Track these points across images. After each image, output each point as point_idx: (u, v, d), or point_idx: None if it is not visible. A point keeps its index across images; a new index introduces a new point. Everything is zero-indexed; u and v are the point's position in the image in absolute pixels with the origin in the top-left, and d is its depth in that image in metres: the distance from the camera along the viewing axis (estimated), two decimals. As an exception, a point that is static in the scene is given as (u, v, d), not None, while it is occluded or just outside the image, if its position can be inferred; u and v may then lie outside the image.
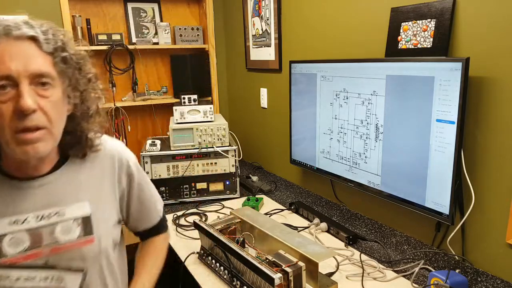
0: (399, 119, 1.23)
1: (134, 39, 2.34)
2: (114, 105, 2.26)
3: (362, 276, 1.20)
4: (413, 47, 1.22)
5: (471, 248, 1.15)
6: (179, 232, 1.59)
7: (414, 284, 1.13)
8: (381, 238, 1.43)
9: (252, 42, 2.23)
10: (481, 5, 1.04)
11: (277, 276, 0.95)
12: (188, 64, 2.47)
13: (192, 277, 1.27)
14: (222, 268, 1.23)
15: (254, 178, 2.19)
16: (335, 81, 1.47)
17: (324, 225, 1.54)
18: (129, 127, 2.36)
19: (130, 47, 2.25)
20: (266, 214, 1.69)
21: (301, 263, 1.04)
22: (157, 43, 2.36)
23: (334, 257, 1.27)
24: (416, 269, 1.18)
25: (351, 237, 1.42)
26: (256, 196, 1.92)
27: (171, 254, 1.45)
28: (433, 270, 1.19)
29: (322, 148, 1.59)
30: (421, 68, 1.13)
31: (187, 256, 1.35)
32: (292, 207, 1.75)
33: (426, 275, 1.18)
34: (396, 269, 1.24)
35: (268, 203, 1.87)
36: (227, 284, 1.19)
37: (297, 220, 1.65)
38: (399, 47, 1.26)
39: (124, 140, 2.35)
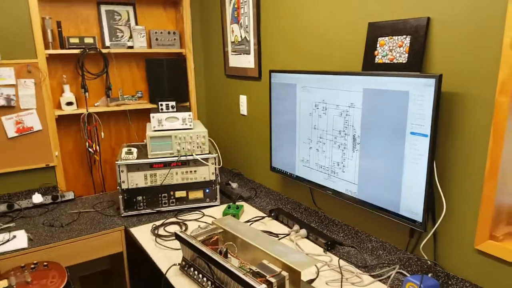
0: (375, 130, 1.32)
1: (107, 43, 2.34)
2: (87, 111, 2.25)
3: (341, 282, 1.28)
4: (389, 61, 1.31)
5: (442, 253, 1.26)
6: (158, 243, 1.62)
7: (390, 289, 1.23)
8: (357, 244, 1.53)
9: (231, 49, 2.28)
10: (454, 25, 1.14)
11: (261, 287, 1.01)
12: (164, 68, 2.50)
13: (175, 289, 1.31)
14: (205, 279, 1.28)
15: (234, 185, 2.24)
16: (314, 92, 1.55)
17: (303, 231, 1.61)
18: (102, 133, 2.36)
19: (104, 50, 2.25)
20: (247, 221, 1.75)
21: (284, 273, 1.10)
22: (132, 47, 2.37)
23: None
24: (392, 274, 1.27)
25: (329, 243, 1.50)
26: (237, 203, 1.98)
27: (151, 266, 1.48)
28: (407, 274, 1.29)
29: (302, 157, 1.67)
30: (396, 82, 1.23)
31: (169, 268, 1.38)
32: (272, 214, 1.82)
33: (401, 279, 1.27)
34: (372, 273, 1.33)
35: (249, 210, 1.93)
36: (211, 294, 1.24)
37: (277, 227, 1.72)
38: (376, 61, 1.36)
39: (98, 147, 2.34)
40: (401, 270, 1.30)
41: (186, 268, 1.37)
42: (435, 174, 1.22)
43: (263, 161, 2.17)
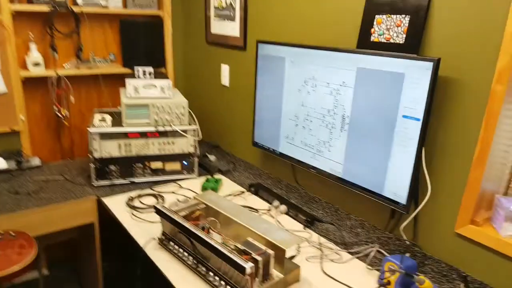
0: (366, 111, 1.31)
1: (79, 1, 2.16)
2: (56, 74, 2.10)
3: (321, 258, 1.30)
4: (385, 41, 1.29)
5: (422, 234, 1.30)
6: (134, 215, 1.57)
7: (368, 267, 1.26)
8: (336, 221, 1.55)
9: (213, 13, 2.17)
10: (456, 7, 1.12)
11: (248, 266, 1.00)
12: (140, 31, 2.36)
13: (153, 264, 1.28)
14: (186, 254, 1.25)
15: (212, 158, 2.20)
16: (305, 67, 1.51)
17: (283, 207, 1.62)
18: (72, 98, 2.22)
19: (75, 9, 2.08)
20: (226, 196, 1.72)
21: (270, 251, 1.09)
22: (106, 7, 2.20)
23: (297, 242, 1.35)
24: (372, 253, 1.31)
25: (309, 219, 1.51)
26: (215, 176, 1.95)
27: (125, 238, 1.44)
28: (385, 253, 1.32)
29: (287, 134, 1.65)
30: (392, 63, 1.21)
31: (148, 242, 1.34)
32: (252, 189, 1.81)
33: (379, 258, 1.31)
34: (350, 250, 1.36)
35: (227, 184, 1.90)
36: (192, 270, 1.22)
37: (257, 202, 1.71)
38: (371, 40, 1.33)
39: (67, 112, 2.21)
40: (379, 249, 1.33)
41: (165, 243, 1.34)
42: (423, 158, 1.23)
43: (243, 135, 2.13)
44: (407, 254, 1.26)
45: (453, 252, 1.21)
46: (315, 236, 1.44)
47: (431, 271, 1.22)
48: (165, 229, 1.35)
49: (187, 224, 1.21)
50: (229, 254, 1.05)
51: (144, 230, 1.45)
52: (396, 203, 1.27)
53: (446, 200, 1.21)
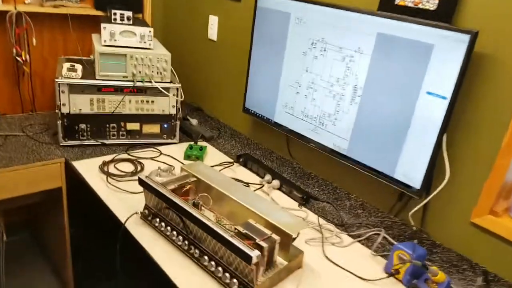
0: (383, 84, 1.18)
1: None
2: (15, 9, 1.79)
3: (322, 241, 1.21)
4: (413, 6, 1.14)
5: (431, 221, 1.24)
6: (110, 184, 1.40)
7: (373, 253, 1.19)
8: (334, 200, 1.46)
9: (204, -44, 1.91)
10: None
11: (255, 254, 0.89)
12: (116, -32, 2.05)
13: (134, 241, 1.14)
14: (174, 232, 1.12)
15: (194, 122, 2.02)
16: (313, 27, 1.34)
17: (276, 182, 1.50)
18: (34, 40, 1.92)
19: None
20: (212, 166, 1.58)
21: (275, 237, 0.98)
22: None
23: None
24: (379, 239, 1.23)
25: (305, 197, 1.41)
26: (199, 144, 1.79)
27: (105, 212, 1.28)
28: (390, 239, 1.25)
29: (285, 102, 1.50)
30: (421, 32, 1.08)
31: (129, 217, 1.19)
32: (241, 160, 1.67)
33: (381, 242, 1.24)
34: (351, 233, 1.28)
35: (213, 153, 1.76)
36: (182, 251, 1.09)
37: (246, 175, 1.58)
38: (396, 3, 1.18)
39: (28, 56, 1.92)
40: (385, 235, 1.26)
41: (149, 218, 1.19)
42: (444, 140, 1.14)
43: (231, 98, 1.96)
44: (415, 241, 1.20)
45: (466, 241, 1.16)
46: (311, 216, 1.34)
47: (440, 260, 1.16)
48: (148, 202, 1.20)
49: (178, 200, 1.07)
50: (231, 239, 0.92)
51: (123, 201, 1.30)
52: (408, 187, 1.18)
53: (465, 188, 1.14)
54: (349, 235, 1.26)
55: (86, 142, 1.66)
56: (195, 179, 1.23)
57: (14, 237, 2.22)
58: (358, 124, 1.27)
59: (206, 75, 2.09)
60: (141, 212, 1.21)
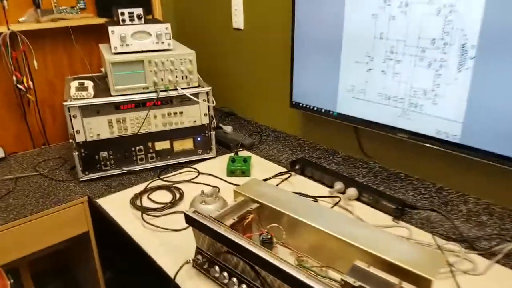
0: (507, 39, 0.83)
1: None
2: (8, 29, 1.54)
3: (451, 270, 0.87)
4: None
5: None
6: (146, 222, 1.11)
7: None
8: (441, 206, 1.12)
9: None
10: None
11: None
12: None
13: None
14: (245, 287, 0.81)
15: (228, 129, 1.73)
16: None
17: (353, 191, 1.17)
18: (35, 62, 1.67)
19: None
20: (264, 180, 1.26)
21: (408, 286, 0.66)
22: None
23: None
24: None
25: (399, 207, 1.08)
26: (239, 154, 1.49)
27: (136, 254, 0.99)
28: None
29: (351, 85, 1.17)
30: None
31: (180, 267, 0.89)
32: (297, 167, 1.35)
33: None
34: (481, 251, 0.93)
35: (258, 163, 1.46)
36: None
37: (308, 186, 1.27)
38: None
39: (30, 82, 1.67)
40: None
41: (205, 266, 0.89)
42: None
43: (271, 94, 1.64)
44: None
45: None
46: (417, 233, 1.01)
47: None
48: (201, 244, 0.90)
49: (247, 244, 0.76)
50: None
51: (166, 244, 1.01)
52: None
53: None
54: (480, 254, 0.91)
55: (111, 173, 1.40)
56: (256, 205, 0.92)
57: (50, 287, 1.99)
58: (474, 97, 0.92)
59: (235, 72, 1.79)
60: (193, 260, 0.91)
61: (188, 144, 1.49)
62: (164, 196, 1.25)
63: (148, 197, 1.25)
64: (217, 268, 0.86)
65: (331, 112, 1.27)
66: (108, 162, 1.39)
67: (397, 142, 1.21)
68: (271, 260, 0.70)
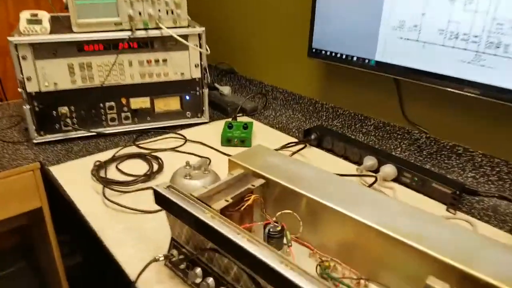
0: None
1: None
2: None
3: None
4: None
5: None
6: (110, 200, 0.84)
7: None
8: None
9: None
10: None
11: None
12: None
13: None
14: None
15: (225, 90, 1.44)
16: None
17: (390, 169, 0.89)
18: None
19: None
20: (276, 150, 0.98)
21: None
22: None
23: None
24: None
25: (457, 192, 0.80)
26: (238, 119, 1.21)
27: (99, 253, 0.72)
28: None
29: (400, 19, 0.87)
30: None
31: (145, 267, 0.61)
32: (312, 137, 1.07)
33: None
34: None
35: (262, 132, 1.18)
36: None
37: (328, 162, 0.99)
38: None
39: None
40: None
41: (182, 267, 0.62)
42: None
43: (281, 42, 1.34)
44: None
45: None
46: (482, 227, 0.73)
47: None
48: (178, 235, 0.62)
49: (242, 239, 0.48)
50: None
51: (133, 231, 0.73)
52: None
53: None
54: None
55: (73, 135, 1.12)
56: (261, 181, 0.64)
57: (12, 268, 1.75)
58: None
59: (234, 18, 1.47)
60: (165, 256, 0.62)
61: (173, 103, 1.20)
62: (138, 167, 0.97)
63: (117, 167, 0.98)
64: (198, 271, 0.59)
65: (366, 61, 0.97)
66: (69, 121, 1.10)
67: (456, 102, 0.92)
68: (279, 268, 0.42)
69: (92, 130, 1.13)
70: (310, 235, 0.62)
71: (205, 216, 0.51)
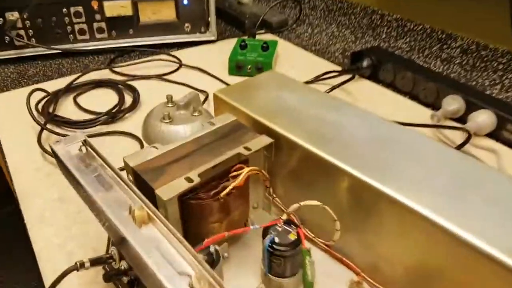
0: None
1: None
2: None
3: None
4: None
5: None
6: (45, 151, 0.58)
7: None
8: None
9: None
10: None
11: None
12: None
13: None
14: None
15: (245, -3, 1.12)
16: None
17: (487, 117, 0.59)
18: None
19: None
20: (306, 83, 0.66)
21: None
22: None
23: None
24: None
25: None
26: (258, 36, 0.90)
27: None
28: None
29: None
30: None
31: (62, 275, 0.34)
32: (364, 65, 0.76)
33: None
34: None
35: (290, 56, 0.86)
36: None
37: (386, 102, 0.68)
38: None
39: None
40: None
41: (123, 278, 0.35)
42: None
43: None
44: None
45: None
46: None
47: None
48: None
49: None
50: None
51: (71, 208, 0.47)
52: None
53: None
54: None
55: (29, 52, 0.86)
56: (265, 140, 0.33)
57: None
58: None
59: None
60: (96, 260, 0.35)
61: (166, 10, 0.90)
62: (106, 101, 0.70)
63: (74, 100, 0.71)
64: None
65: None
66: (22, 33, 0.83)
67: None
68: None
69: (54, 46, 0.85)
70: (353, 247, 0.33)
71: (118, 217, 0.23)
